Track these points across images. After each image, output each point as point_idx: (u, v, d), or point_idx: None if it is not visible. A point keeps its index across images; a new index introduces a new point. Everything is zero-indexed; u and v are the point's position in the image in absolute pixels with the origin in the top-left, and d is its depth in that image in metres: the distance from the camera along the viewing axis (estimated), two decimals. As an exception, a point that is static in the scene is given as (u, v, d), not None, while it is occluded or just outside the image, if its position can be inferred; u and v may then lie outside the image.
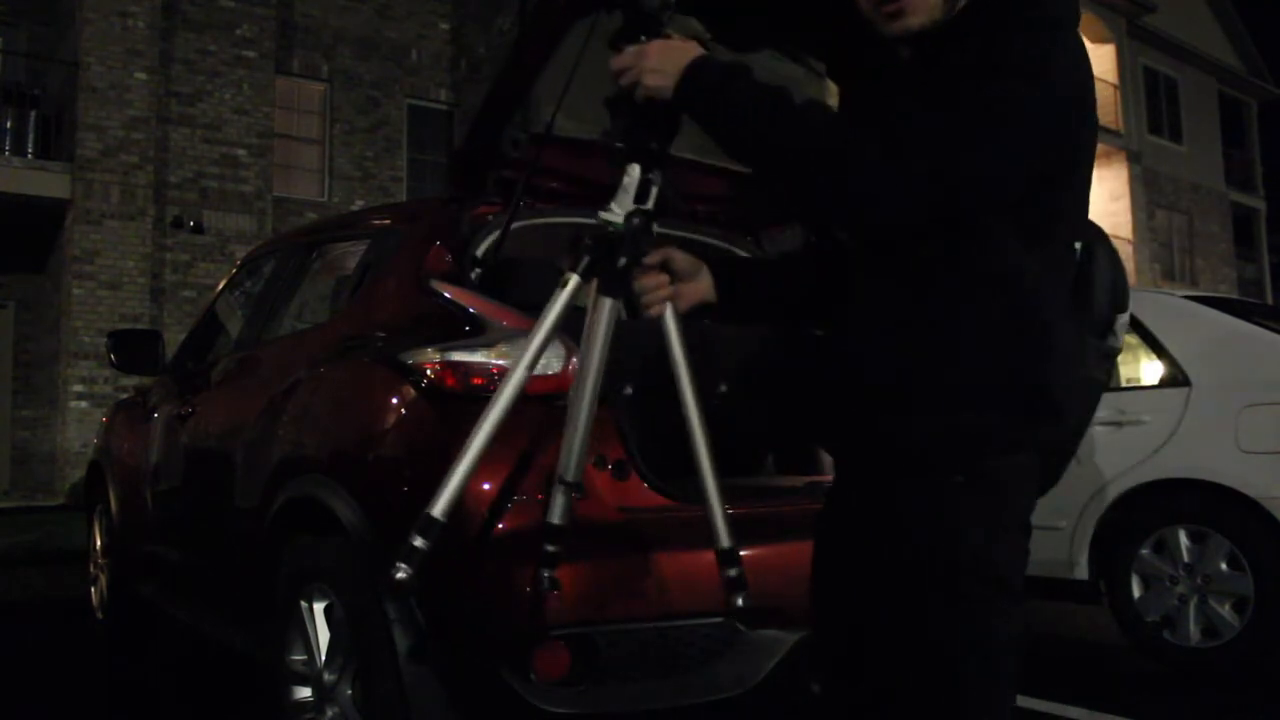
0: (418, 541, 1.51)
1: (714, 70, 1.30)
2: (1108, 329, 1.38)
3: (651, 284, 1.47)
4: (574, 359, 2.18)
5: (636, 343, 1.81)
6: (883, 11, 1.28)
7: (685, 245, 3.18)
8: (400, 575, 1.50)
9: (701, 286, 1.50)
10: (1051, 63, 1.20)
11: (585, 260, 1.47)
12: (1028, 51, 1.20)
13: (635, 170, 1.43)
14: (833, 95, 2.64)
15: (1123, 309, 1.41)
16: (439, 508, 1.52)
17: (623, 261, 1.45)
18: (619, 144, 1.43)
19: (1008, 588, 1.28)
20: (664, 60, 1.32)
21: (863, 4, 1.30)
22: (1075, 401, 1.32)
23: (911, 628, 1.28)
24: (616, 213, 1.43)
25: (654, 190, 1.44)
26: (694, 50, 1.33)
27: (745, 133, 1.26)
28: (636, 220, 1.43)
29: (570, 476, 1.64)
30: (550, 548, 1.70)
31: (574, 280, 1.49)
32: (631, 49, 1.36)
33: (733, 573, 1.61)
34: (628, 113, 1.40)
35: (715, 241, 3.13)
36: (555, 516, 1.68)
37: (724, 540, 1.59)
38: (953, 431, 1.26)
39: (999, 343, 1.24)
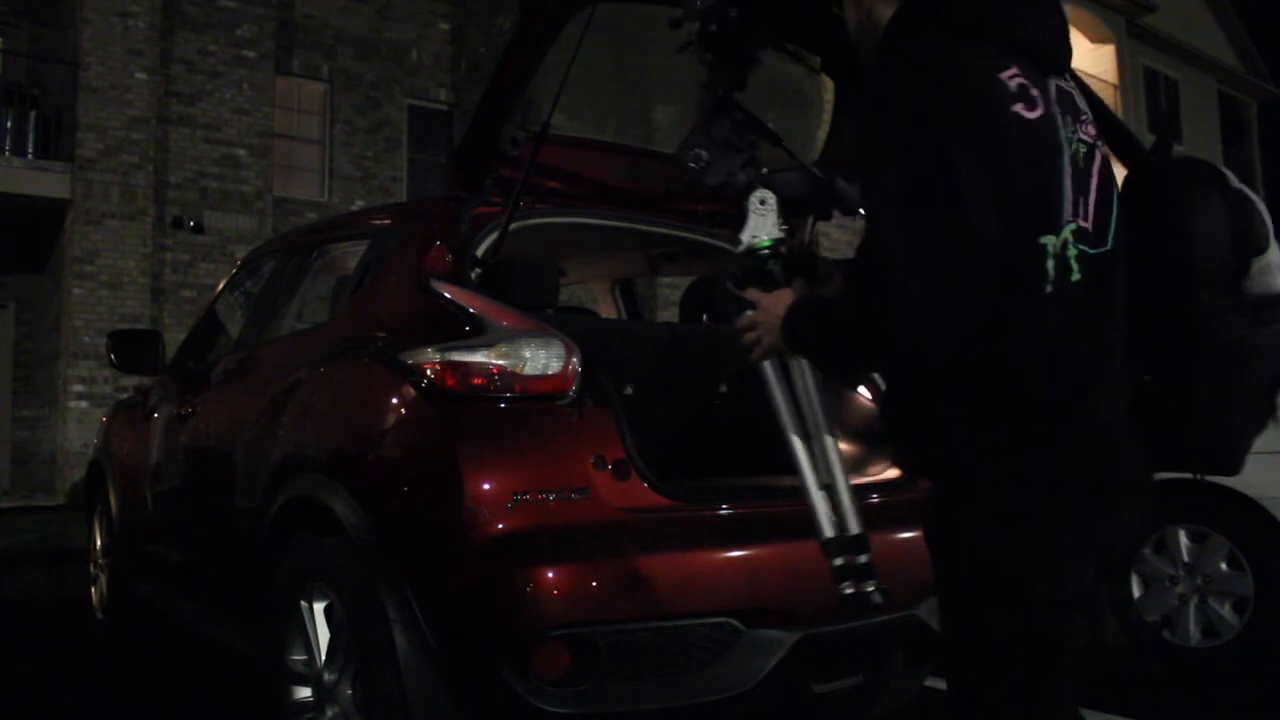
0: (862, 559, 1.54)
1: (803, 314, 1.43)
2: (1234, 277, 1.28)
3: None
4: (574, 358, 2.18)
5: (636, 344, 1.81)
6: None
7: (686, 244, 3.20)
8: (873, 590, 1.51)
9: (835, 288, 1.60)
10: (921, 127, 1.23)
11: (782, 268, 1.63)
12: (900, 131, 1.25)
13: (771, 198, 1.64)
14: (828, 91, 2.67)
15: (1258, 251, 1.29)
16: (853, 525, 1.55)
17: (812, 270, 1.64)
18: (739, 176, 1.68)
19: (1014, 585, 1.26)
20: (769, 319, 1.46)
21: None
22: (1092, 399, 1.29)
23: (944, 618, 1.37)
24: (762, 236, 1.63)
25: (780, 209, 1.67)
26: (786, 300, 1.47)
27: (833, 345, 1.41)
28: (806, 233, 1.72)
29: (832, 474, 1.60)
30: (862, 559, 1.55)
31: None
32: (747, 317, 1.55)
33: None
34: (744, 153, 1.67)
35: (716, 241, 3.12)
36: (853, 525, 1.56)
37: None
38: (955, 445, 1.30)
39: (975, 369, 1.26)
